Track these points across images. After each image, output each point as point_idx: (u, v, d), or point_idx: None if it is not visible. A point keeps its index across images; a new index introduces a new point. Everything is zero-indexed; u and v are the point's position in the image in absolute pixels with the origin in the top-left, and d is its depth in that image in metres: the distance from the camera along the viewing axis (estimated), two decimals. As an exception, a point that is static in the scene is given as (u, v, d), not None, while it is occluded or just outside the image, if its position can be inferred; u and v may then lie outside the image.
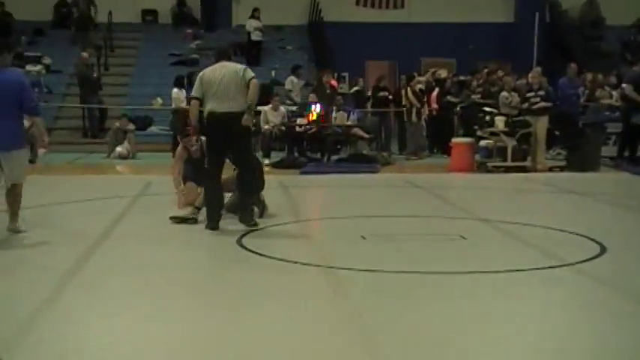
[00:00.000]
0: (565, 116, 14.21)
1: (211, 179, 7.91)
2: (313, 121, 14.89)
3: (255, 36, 20.70)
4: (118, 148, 15.74)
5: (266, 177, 8.94)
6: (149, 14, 22.72)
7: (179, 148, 10.31)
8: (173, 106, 16.13)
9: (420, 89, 16.52)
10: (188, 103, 15.42)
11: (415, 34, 22.52)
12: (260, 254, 6.75)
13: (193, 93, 7.95)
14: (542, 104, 13.60)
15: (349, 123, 15.30)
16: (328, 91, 16.33)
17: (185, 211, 8.43)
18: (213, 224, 7.78)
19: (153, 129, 17.77)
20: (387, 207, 9.88)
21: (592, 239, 7.30)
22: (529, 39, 21.90)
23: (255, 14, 20.72)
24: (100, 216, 8.75)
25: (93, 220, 8.52)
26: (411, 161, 15.69)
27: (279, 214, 8.81)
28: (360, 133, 15.34)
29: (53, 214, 9.11)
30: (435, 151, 16.96)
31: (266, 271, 6.23)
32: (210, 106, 7.72)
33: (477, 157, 14.29)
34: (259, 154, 15.08)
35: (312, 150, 15.51)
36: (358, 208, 9.70)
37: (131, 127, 16.12)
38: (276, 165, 14.29)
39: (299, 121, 15.14)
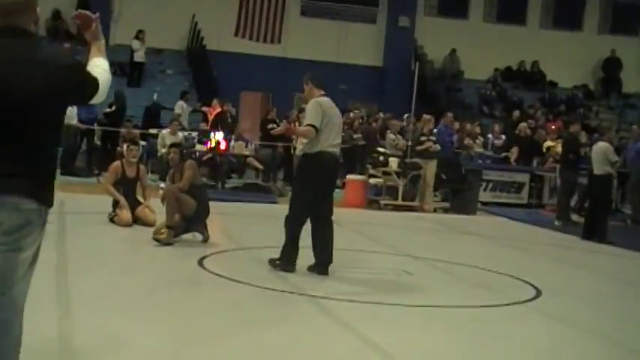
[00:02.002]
0: (450, 161, 15.35)
1: (302, 224, 7.27)
2: (212, 148, 15.12)
3: (139, 57, 20.60)
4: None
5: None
6: (22, 24, 21.90)
7: (115, 164, 10.36)
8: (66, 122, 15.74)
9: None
10: (80, 121, 15.72)
11: (290, 70, 23.20)
12: (234, 280, 7.04)
13: (313, 122, 7.03)
14: (437, 147, 14.65)
15: (246, 153, 15.67)
16: (229, 120, 16.60)
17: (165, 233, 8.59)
18: (292, 267, 7.36)
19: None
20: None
21: (519, 279, 8.17)
22: (396, 84, 23.39)
23: (139, 35, 20.62)
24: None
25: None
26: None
27: (215, 241, 9.06)
28: (255, 163, 15.75)
29: None
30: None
31: (250, 300, 6.53)
32: (326, 144, 7.12)
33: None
34: (156, 177, 15.22)
35: (206, 176, 15.69)
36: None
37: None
38: (173, 190, 14.36)
39: (198, 147, 15.31)
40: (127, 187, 10.12)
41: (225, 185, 15.32)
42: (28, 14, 3.18)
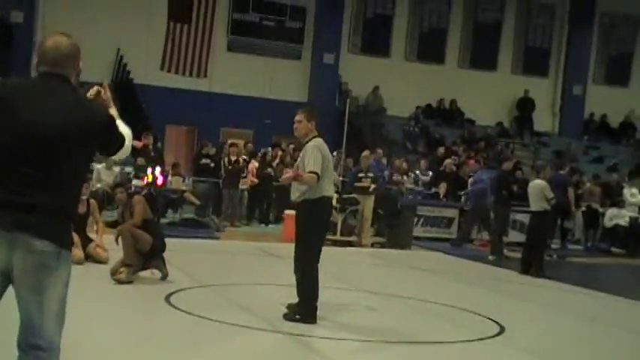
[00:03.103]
0: (387, 197, 15.67)
1: (315, 270, 7.09)
2: (149, 183, 14.94)
3: (64, 90, 20.17)
4: None
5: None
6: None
7: None
8: None
9: (244, 160, 17.21)
10: None
11: (216, 104, 23.21)
12: (205, 317, 7.00)
13: (316, 169, 6.94)
14: (372, 185, 14.92)
15: (184, 187, 15.56)
16: (152, 153, 16.43)
17: (124, 272, 8.49)
18: (314, 319, 7.07)
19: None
20: (268, 275, 10.38)
21: (478, 314, 8.44)
22: (321, 119, 23.63)
23: (64, 68, 20.22)
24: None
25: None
26: (236, 228, 16.21)
27: (173, 277, 8.98)
28: (192, 198, 15.65)
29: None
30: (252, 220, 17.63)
31: (238, 338, 6.54)
32: (326, 189, 7.17)
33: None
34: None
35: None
36: (245, 275, 10.12)
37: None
38: (110, 225, 14.10)
39: (134, 182, 15.10)
40: (77, 223, 9.88)
41: (162, 220, 15.12)
42: (72, 66, 3.48)
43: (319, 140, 7.27)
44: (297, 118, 7.34)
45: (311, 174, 6.95)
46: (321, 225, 7.34)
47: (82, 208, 9.99)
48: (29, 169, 3.21)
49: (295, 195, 7.22)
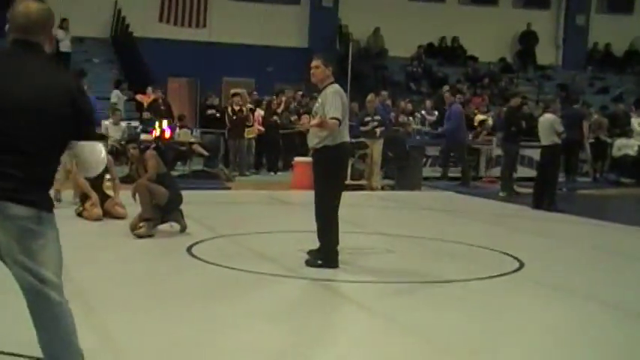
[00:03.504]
0: (395, 139, 15.64)
1: (336, 215, 7.14)
2: (157, 137, 14.92)
3: (65, 47, 20.03)
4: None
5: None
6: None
7: None
8: None
9: (250, 109, 17.14)
10: None
11: (216, 54, 23.02)
12: (229, 267, 7.07)
13: (337, 115, 6.93)
14: (380, 129, 14.88)
15: (192, 140, 15.54)
16: (162, 107, 16.39)
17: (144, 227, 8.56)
18: (337, 264, 7.14)
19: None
20: (283, 223, 10.45)
21: (496, 250, 8.50)
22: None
23: (63, 25, 20.04)
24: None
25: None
26: (246, 177, 16.23)
27: (192, 229, 9.04)
28: (200, 150, 15.64)
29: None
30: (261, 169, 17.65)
31: (261, 287, 6.60)
32: (345, 134, 7.21)
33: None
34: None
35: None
36: (261, 224, 10.18)
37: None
38: (122, 180, 14.14)
39: (142, 137, 15.06)
40: (92, 180, 9.90)
41: (172, 173, 15.14)
42: (43, 33, 3.34)
43: (337, 86, 7.24)
44: (313, 63, 7.28)
45: (333, 120, 6.94)
46: (341, 170, 7.37)
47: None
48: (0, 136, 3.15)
49: (314, 141, 7.21)
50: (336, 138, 7.07)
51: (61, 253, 3.34)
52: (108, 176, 10.10)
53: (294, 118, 18.21)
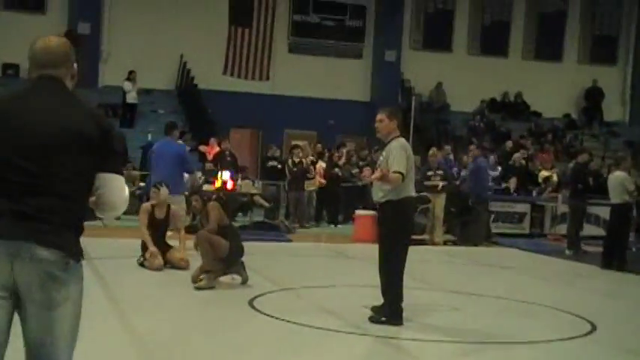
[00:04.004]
0: (458, 194, 15.44)
1: (401, 271, 7.08)
2: (219, 187, 15.01)
3: (131, 98, 20.49)
4: None
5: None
6: (10, 68, 21.70)
7: (145, 205, 10.23)
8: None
9: (312, 161, 17.17)
10: None
11: (279, 106, 23.26)
12: (297, 323, 6.95)
13: (402, 169, 6.87)
14: (442, 183, 14.71)
15: (254, 191, 15.61)
16: (229, 158, 16.54)
17: (204, 279, 8.52)
18: (400, 321, 7.00)
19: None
20: (346, 277, 10.29)
21: (565, 311, 8.20)
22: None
23: (130, 76, 20.53)
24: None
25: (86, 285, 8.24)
26: (306, 229, 16.17)
27: (253, 281, 8.96)
28: (262, 201, 15.68)
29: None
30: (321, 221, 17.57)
31: (327, 343, 6.46)
32: (410, 189, 7.13)
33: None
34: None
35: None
36: (323, 277, 10.07)
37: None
38: (187, 230, 14.24)
39: (205, 187, 15.18)
40: (155, 229, 9.98)
41: (233, 224, 15.19)
42: (64, 66, 3.17)
43: (403, 140, 7.16)
44: (378, 117, 7.23)
45: (396, 174, 6.85)
46: (406, 225, 7.23)
47: (160, 214, 10.06)
48: (26, 176, 2.95)
49: (379, 195, 7.12)
50: (400, 192, 6.98)
51: (78, 319, 3.07)
52: (170, 229, 10.15)
53: (355, 171, 18.16)
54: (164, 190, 10.14)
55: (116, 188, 3.11)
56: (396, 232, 7.03)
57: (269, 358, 5.83)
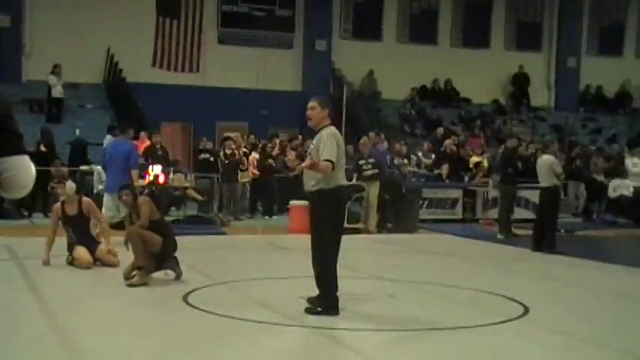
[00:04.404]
0: (392, 182, 15.52)
1: (334, 261, 7.00)
2: (150, 182, 14.75)
3: (57, 92, 19.97)
4: None
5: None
6: None
7: (55, 205, 9.95)
8: None
9: (244, 153, 17.03)
10: None
11: (210, 98, 22.99)
12: (228, 316, 6.86)
13: (332, 157, 6.82)
14: (374, 171, 14.76)
15: (186, 184, 15.39)
16: (160, 152, 16.27)
17: (137, 276, 8.35)
18: (336, 311, 6.96)
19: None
20: (281, 268, 10.23)
21: (498, 294, 8.31)
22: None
23: (55, 70, 20.01)
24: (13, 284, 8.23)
25: (15, 287, 8.00)
26: (240, 222, 16.04)
27: (188, 277, 8.83)
28: (194, 194, 15.49)
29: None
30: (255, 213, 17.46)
31: (262, 336, 6.40)
32: (341, 177, 7.08)
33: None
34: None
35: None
36: (258, 270, 9.98)
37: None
38: (116, 226, 13.94)
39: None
40: (74, 226, 9.68)
41: (165, 218, 14.95)
42: None
43: (333, 128, 7.12)
44: (310, 105, 7.17)
45: (326, 162, 6.81)
46: (338, 214, 7.19)
47: (71, 210, 9.73)
48: None
49: (310, 184, 7.07)
50: (330, 181, 6.94)
51: None
52: (93, 221, 9.88)
53: (286, 159, 18.09)
54: (69, 184, 9.95)
55: (24, 168, 2.96)
56: (328, 222, 6.99)
57: (204, 354, 5.73)
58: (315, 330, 6.50)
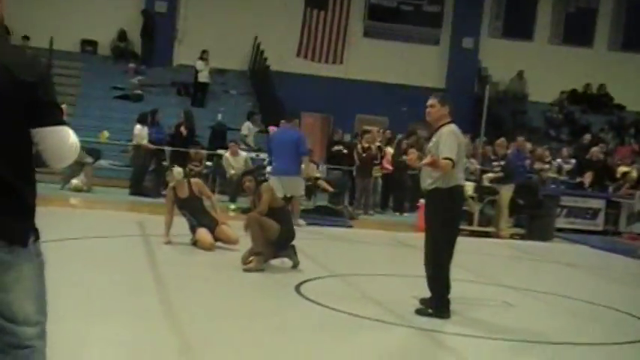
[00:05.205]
0: (527, 186, 14.93)
1: (448, 263, 6.73)
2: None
3: (203, 77, 20.58)
4: (74, 180, 15.16)
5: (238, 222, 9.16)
6: (89, 45, 22.11)
7: (168, 190, 10.14)
8: (134, 142, 15.82)
9: (378, 147, 16.87)
10: (150, 142, 15.67)
11: (351, 91, 22.99)
12: (341, 311, 6.74)
13: (452, 155, 6.54)
14: (497, 174, 14.25)
15: (317, 175, 15.43)
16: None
17: (254, 261, 8.40)
18: (447, 314, 6.71)
19: (102, 163, 17.20)
20: (401, 266, 10.02)
21: (628, 314, 7.74)
22: (458, 106, 22.91)
23: (203, 56, 20.61)
24: (135, 260, 8.49)
25: (136, 262, 8.25)
26: (368, 217, 15.92)
27: (302, 267, 8.78)
28: (326, 185, 15.50)
29: (98, 248, 8.78)
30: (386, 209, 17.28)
31: (369, 333, 6.24)
32: (460, 177, 6.84)
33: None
34: (226, 198, 15.08)
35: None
36: (377, 266, 9.84)
37: (89, 159, 15.57)
38: (245, 211, 14.17)
39: (269, 169, 15.09)
40: (190, 208, 9.85)
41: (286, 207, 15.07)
42: None
43: (454, 126, 6.85)
44: (429, 102, 6.95)
45: (446, 160, 6.55)
46: (454, 215, 6.92)
47: (182, 193, 9.87)
48: None
49: (426, 182, 6.84)
50: (449, 180, 6.66)
51: (43, 291, 2.89)
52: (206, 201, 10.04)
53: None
54: (176, 170, 10.07)
55: (60, 140, 2.82)
56: (444, 222, 6.73)
57: (304, 347, 5.64)
58: (420, 332, 6.28)
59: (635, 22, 24.69)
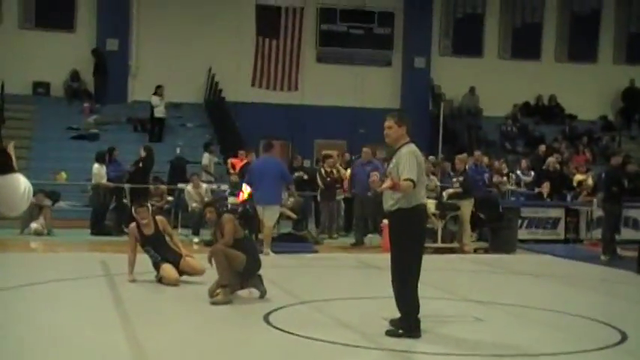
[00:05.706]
0: (488, 200, 15.08)
1: (414, 281, 6.72)
2: (245, 200, 14.85)
3: (159, 113, 20.51)
4: (33, 224, 14.95)
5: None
6: (41, 87, 21.89)
7: (131, 226, 10.02)
8: (93, 181, 15.68)
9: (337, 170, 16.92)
10: (109, 180, 15.55)
11: (308, 116, 23.08)
12: (309, 338, 6.72)
13: (412, 176, 6.60)
14: (456, 189, 14.40)
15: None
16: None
17: (221, 294, 8.34)
18: (418, 333, 6.73)
19: (61, 204, 16.98)
20: (369, 288, 10.04)
21: (595, 320, 7.84)
22: (415, 125, 23.09)
23: (158, 91, 20.56)
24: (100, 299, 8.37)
25: (101, 302, 8.13)
26: (332, 240, 15.93)
27: (272, 295, 8.75)
28: (288, 212, 15.46)
29: (62, 290, 8.61)
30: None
31: (324, 356, 6.22)
32: (421, 196, 6.88)
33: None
34: (188, 232, 14.99)
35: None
36: (345, 289, 9.83)
37: (47, 202, 15.39)
38: (208, 243, 14.08)
39: (230, 200, 15.06)
40: (154, 244, 9.75)
41: (259, 236, 15.01)
42: None
43: (413, 146, 6.91)
44: (386, 124, 7.00)
45: (407, 181, 6.60)
46: (419, 234, 6.97)
47: (148, 230, 9.76)
48: None
49: (389, 203, 6.88)
50: (411, 200, 6.72)
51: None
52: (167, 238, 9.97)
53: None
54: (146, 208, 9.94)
55: (10, 188, 2.78)
56: (408, 241, 6.77)
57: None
58: (392, 353, 6.29)
59: (579, 33, 25.25)
